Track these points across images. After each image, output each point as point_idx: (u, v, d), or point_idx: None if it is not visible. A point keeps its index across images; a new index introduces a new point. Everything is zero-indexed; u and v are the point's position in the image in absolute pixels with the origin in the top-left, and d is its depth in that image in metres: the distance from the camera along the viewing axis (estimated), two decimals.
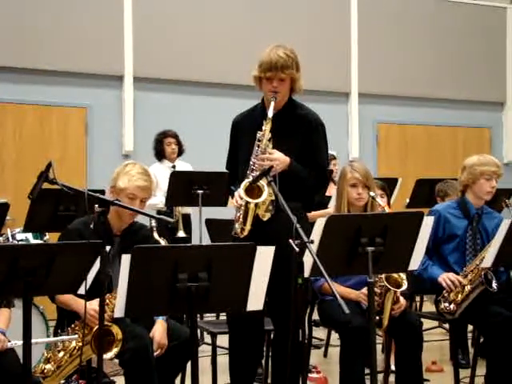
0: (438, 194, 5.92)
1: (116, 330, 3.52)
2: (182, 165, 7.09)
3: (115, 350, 3.52)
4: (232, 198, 4.04)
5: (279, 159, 3.84)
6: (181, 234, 6.67)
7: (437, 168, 8.95)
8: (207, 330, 4.58)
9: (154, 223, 3.87)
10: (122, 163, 3.99)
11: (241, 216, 3.85)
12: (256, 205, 3.82)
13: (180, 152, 7.11)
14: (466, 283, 4.27)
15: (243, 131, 4.09)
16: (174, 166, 6.97)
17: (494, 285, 4.21)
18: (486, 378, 4.32)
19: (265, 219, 3.88)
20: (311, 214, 4.19)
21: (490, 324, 4.19)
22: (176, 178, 6.06)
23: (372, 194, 4.20)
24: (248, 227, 3.84)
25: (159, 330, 3.76)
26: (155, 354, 3.68)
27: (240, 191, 3.81)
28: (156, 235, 3.84)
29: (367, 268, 3.27)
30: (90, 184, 7.53)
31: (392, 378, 4.31)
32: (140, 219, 4.05)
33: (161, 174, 6.68)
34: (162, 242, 3.81)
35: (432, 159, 9.54)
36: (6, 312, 3.69)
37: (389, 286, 3.96)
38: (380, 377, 4.26)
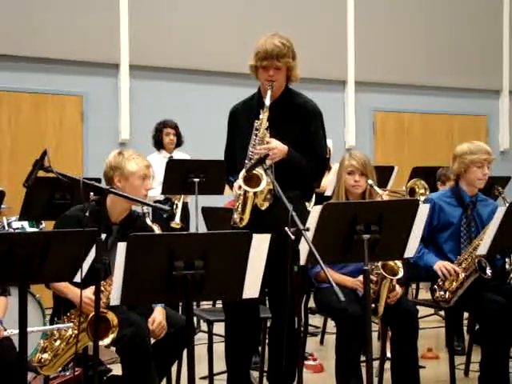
0: (440, 179, 5.85)
1: (111, 316, 3.53)
2: (181, 155, 7.03)
3: (112, 337, 3.53)
4: (231, 188, 4.03)
5: (277, 148, 3.83)
6: (174, 223, 6.38)
7: (433, 156, 8.93)
8: (203, 318, 4.58)
9: (145, 209, 3.88)
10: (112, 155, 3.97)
11: (239, 205, 3.84)
12: (255, 194, 3.80)
13: (178, 143, 7.07)
14: (461, 271, 4.28)
15: (241, 121, 4.07)
16: (171, 157, 6.91)
17: (488, 271, 4.22)
18: (481, 364, 4.34)
19: (263, 208, 3.86)
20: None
21: (485, 311, 4.21)
22: (172, 166, 6.04)
23: (370, 181, 4.20)
24: (247, 216, 3.83)
25: (160, 314, 3.78)
26: (156, 334, 3.71)
27: (239, 181, 3.80)
28: (149, 221, 3.84)
29: (363, 256, 3.28)
30: (86, 172, 7.52)
31: (388, 365, 4.32)
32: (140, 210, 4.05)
33: (157, 164, 6.59)
34: (156, 228, 3.81)
35: (428, 147, 9.54)
36: (2, 300, 3.69)
37: (385, 274, 3.97)
38: (376, 364, 4.26)
